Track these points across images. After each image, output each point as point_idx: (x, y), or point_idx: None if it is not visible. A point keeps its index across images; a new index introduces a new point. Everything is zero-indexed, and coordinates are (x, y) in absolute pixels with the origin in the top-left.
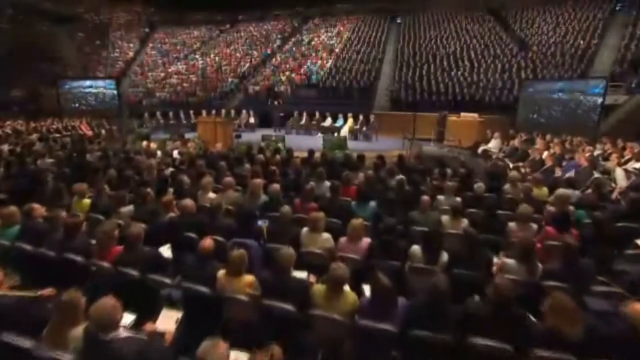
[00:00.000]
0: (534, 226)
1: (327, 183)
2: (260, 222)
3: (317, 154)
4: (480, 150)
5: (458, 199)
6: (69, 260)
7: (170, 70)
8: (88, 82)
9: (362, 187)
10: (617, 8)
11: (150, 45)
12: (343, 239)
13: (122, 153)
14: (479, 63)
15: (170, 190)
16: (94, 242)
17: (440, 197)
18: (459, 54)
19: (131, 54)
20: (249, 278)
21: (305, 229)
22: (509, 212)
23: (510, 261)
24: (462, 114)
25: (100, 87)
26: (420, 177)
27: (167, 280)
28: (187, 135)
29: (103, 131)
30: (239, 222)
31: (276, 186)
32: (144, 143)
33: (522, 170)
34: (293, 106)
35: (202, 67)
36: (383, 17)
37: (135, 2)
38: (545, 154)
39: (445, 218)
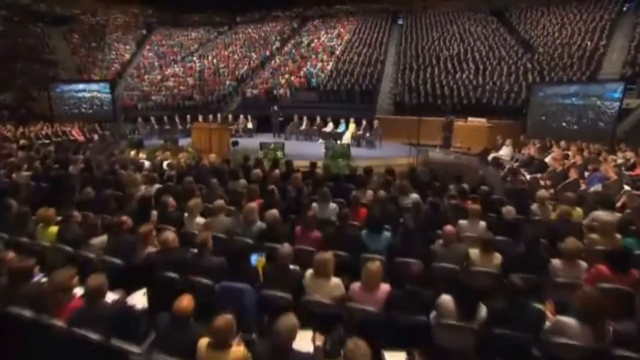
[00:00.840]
0: (583, 264)
1: (333, 205)
2: (255, 256)
3: (320, 165)
4: (490, 157)
5: (483, 223)
6: (12, 315)
7: (167, 72)
8: (81, 86)
9: (372, 211)
10: (625, 8)
11: (147, 47)
12: (356, 286)
13: (107, 165)
14: (484, 65)
15: (154, 213)
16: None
17: (463, 223)
18: (462, 56)
19: (127, 56)
20: (238, 351)
21: (309, 272)
22: (543, 239)
23: (570, 320)
24: (469, 118)
25: (94, 90)
26: (436, 195)
27: (135, 349)
28: (182, 141)
29: (96, 136)
30: (230, 259)
31: (274, 212)
32: (133, 153)
33: (542, 182)
34: (293, 110)
35: (199, 70)
36: (384, 19)
37: (133, 3)
38: (565, 163)
39: (473, 252)
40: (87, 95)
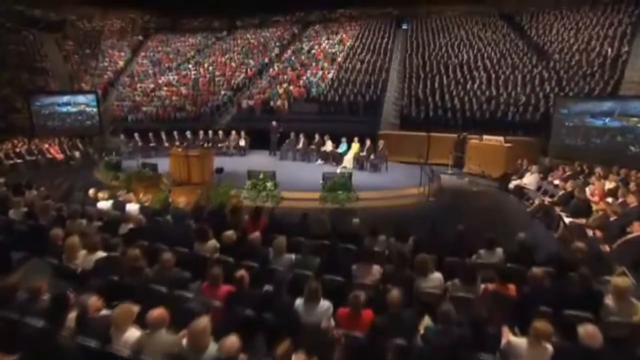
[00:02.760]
0: None
1: (325, 304)
2: None
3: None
4: (512, 185)
5: (549, 348)
6: None
7: (160, 81)
8: (65, 98)
9: (378, 321)
10: None
11: (143, 53)
12: None
13: (54, 210)
14: (496, 74)
15: (73, 315)
16: None
17: (518, 344)
18: (472, 63)
19: (121, 63)
20: None
21: None
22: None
23: None
24: (485, 136)
25: (80, 103)
26: (469, 276)
27: None
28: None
29: (77, 154)
30: None
31: (232, 342)
32: (91, 192)
33: (591, 233)
34: (290, 123)
35: (194, 78)
36: (388, 23)
37: (131, 8)
38: (616, 210)
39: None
40: (71, 109)
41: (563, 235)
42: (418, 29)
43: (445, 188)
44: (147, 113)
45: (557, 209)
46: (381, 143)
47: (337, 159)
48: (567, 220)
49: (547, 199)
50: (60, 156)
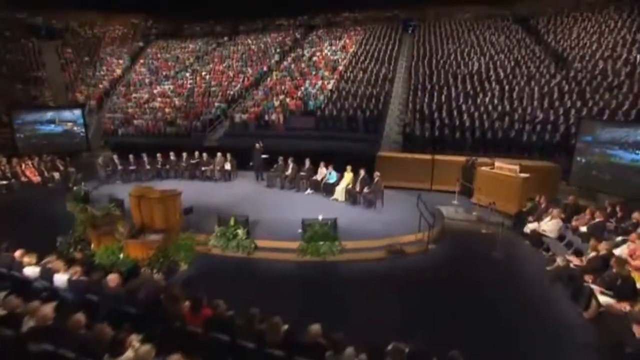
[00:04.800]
0: None
1: None
2: None
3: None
4: (529, 230)
5: None
6: None
7: (155, 91)
8: (50, 114)
9: None
10: None
11: (141, 61)
12: None
13: None
14: (510, 85)
15: None
16: None
17: None
18: (484, 73)
19: (119, 71)
20: None
21: None
22: None
23: None
24: (497, 163)
25: (65, 120)
26: None
27: None
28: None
29: (56, 175)
30: None
31: None
32: (17, 254)
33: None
34: (285, 140)
35: (189, 88)
36: (394, 28)
37: (133, 13)
38: None
39: None
40: (55, 129)
41: (603, 324)
42: (426, 34)
43: (449, 230)
44: (137, 127)
45: (587, 278)
46: (377, 175)
47: (329, 189)
48: (601, 298)
49: (572, 259)
50: (36, 179)
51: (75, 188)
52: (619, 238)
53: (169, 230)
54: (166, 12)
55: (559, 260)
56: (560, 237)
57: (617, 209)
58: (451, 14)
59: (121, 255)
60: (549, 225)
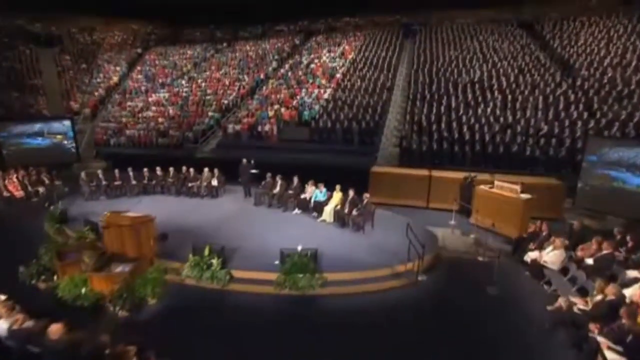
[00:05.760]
0: None
1: None
2: None
3: None
4: (529, 259)
5: None
6: None
7: (151, 99)
8: (37, 126)
9: None
10: None
11: (138, 68)
12: None
13: None
14: (513, 95)
15: None
16: None
17: None
18: (486, 81)
19: (115, 78)
20: None
21: None
22: None
23: None
24: (497, 181)
25: (54, 132)
26: None
27: None
28: (132, 203)
29: (41, 190)
30: None
31: None
32: None
33: None
34: (278, 153)
35: (185, 96)
36: (394, 33)
37: (133, 19)
38: None
39: None
40: (42, 143)
41: None
42: (427, 40)
43: (443, 256)
44: (129, 137)
45: (593, 328)
46: (366, 197)
47: (318, 208)
48: (609, 355)
49: (576, 302)
50: (19, 193)
51: (52, 207)
52: (630, 273)
53: (140, 259)
54: (167, 17)
55: (562, 301)
56: (564, 269)
57: (628, 238)
58: (454, 17)
59: (83, 290)
60: (550, 256)
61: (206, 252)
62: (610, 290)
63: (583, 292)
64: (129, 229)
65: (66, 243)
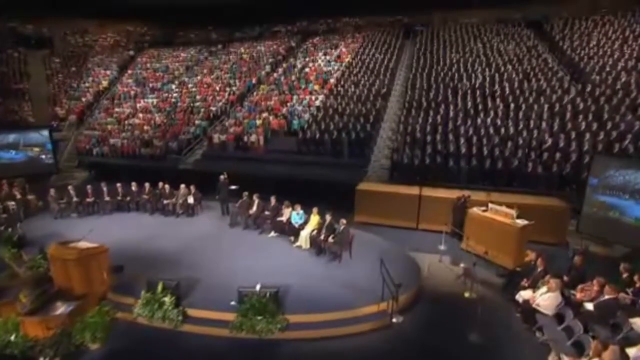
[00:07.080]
0: None
1: None
2: None
3: None
4: (521, 298)
5: None
6: None
7: (139, 105)
8: (12, 137)
9: None
10: None
11: (129, 72)
12: None
13: None
14: (516, 103)
15: None
16: None
17: None
18: (488, 87)
19: (105, 83)
20: None
21: None
22: None
23: None
24: (491, 204)
25: (31, 144)
26: None
27: None
28: (105, 222)
29: (12, 204)
30: None
31: None
32: None
33: None
34: (263, 164)
35: (173, 102)
36: (394, 35)
37: (127, 20)
38: None
39: None
40: (16, 156)
41: None
42: (429, 42)
43: (426, 290)
44: (112, 147)
45: None
46: (343, 223)
47: (295, 231)
48: None
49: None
50: None
51: (7, 231)
52: (636, 323)
53: (88, 296)
54: (162, 18)
55: (554, 355)
56: (559, 315)
57: (635, 278)
58: (458, 17)
59: (13, 337)
60: (544, 299)
61: (159, 288)
62: (608, 356)
63: (578, 347)
64: (77, 263)
65: (12, 274)
